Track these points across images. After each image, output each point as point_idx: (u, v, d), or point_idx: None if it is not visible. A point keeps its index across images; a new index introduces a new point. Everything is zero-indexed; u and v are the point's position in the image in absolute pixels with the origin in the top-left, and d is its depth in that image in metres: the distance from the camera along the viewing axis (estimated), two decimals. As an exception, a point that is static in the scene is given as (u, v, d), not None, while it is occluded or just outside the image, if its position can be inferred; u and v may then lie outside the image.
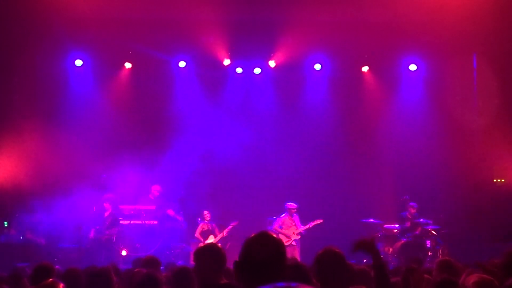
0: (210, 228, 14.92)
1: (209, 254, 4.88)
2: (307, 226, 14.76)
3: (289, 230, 14.74)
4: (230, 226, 14.73)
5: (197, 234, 14.87)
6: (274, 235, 3.18)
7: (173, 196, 15.42)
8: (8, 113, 15.67)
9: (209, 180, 15.92)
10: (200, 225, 15.01)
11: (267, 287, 1.86)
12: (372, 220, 15.03)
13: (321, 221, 14.75)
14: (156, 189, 15.36)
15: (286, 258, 3.09)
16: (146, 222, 15.02)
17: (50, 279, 4.69)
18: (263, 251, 3.03)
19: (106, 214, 14.38)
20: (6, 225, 14.65)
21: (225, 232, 14.74)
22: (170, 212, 15.13)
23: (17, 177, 14.76)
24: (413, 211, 14.73)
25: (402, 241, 14.33)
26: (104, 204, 14.32)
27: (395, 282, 5.58)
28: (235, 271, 3.08)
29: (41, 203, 14.39)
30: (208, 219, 14.94)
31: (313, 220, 14.78)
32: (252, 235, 3.16)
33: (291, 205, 14.78)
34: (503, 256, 5.09)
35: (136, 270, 6.37)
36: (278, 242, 3.11)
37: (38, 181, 14.79)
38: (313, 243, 14.18)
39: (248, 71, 16.95)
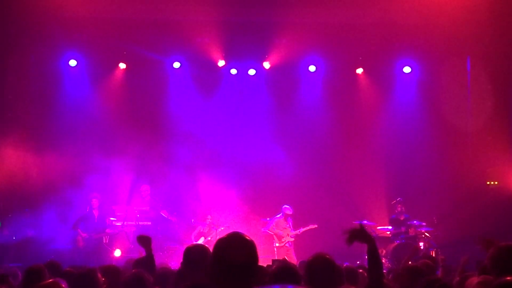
0: (206, 231, 14.95)
1: (196, 254, 4.89)
2: (302, 230, 14.82)
3: (284, 232, 14.79)
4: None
5: (192, 236, 14.91)
6: (247, 237, 3.15)
7: (166, 197, 15.43)
8: (1, 113, 15.64)
9: (203, 181, 15.91)
10: (198, 227, 15.05)
11: None
12: (365, 222, 15.01)
13: (316, 226, 14.83)
14: (145, 189, 15.37)
15: (257, 259, 3.07)
16: (140, 223, 15.03)
17: (51, 279, 4.63)
18: (233, 254, 3.02)
19: (96, 213, 14.41)
20: (-1, 225, 14.66)
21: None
22: (164, 212, 15.11)
23: (11, 178, 14.72)
24: (399, 208, 14.79)
25: (396, 243, 14.36)
26: (92, 203, 14.35)
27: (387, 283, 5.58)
28: (208, 273, 3.06)
29: (34, 203, 14.40)
30: (208, 223, 14.96)
31: (308, 223, 14.86)
32: (224, 236, 3.15)
33: (288, 209, 14.85)
34: (488, 259, 5.04)
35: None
36: (250, 244, 3.09)
37: (31, 181, 14.76)
38: (306, 245, 14.23)
39: (242, 72, 16.95)
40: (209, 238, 14.71)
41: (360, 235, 4.46)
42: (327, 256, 4.63)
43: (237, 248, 3.05)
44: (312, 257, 4.66)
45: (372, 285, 4.39)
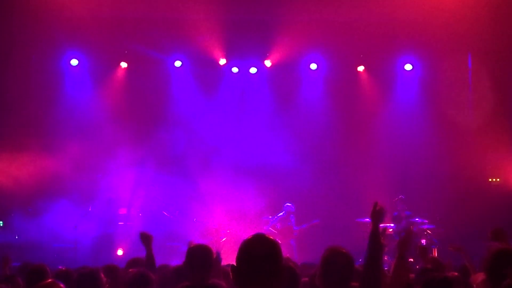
0: (206, 231, 14.96)
1: (199, 254, 4.90)
2: (305, 226, 14.85)
3: (287, 230, 14.80)
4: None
5: (196, 235, 14.91)
6: (270, 237, 3.15)
7: (168, 195, 15.43)
8: (2, 112, 15.66)
9: (204, 179, 15.90)
10: (199, 226, 15.07)
11: None
12: (367, 219, 14.94)
13: (318, 222, 14.86)
14: (148, 188, 15.40)
15: (282, 259, 3.06)
16: (142, 222, 15.04)
17: (49, 280, 4.63)
18: (259, 253, 3.02)
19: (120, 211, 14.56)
20: (1, 225, 14.67)
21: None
22: (166, 211, 15.12)
23: (12, 177, 14.73)
24: (401, 205, 14.78)
25: (397, 240, 14.36)
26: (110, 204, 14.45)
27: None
28: (232, 273, 3.06)
29: (36, 203, 14.41)
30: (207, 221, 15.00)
31: (310, 220, 14.89)
32: (249, 237, 3.14)
33: (290, 207, 14.88)
34: (486, 262, 4.94)
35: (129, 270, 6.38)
36: (274, 243, 3.08)
37: (33, 181, 14.77)
38: (309, 243, 14.26)
39: (244, 70, 16.95)
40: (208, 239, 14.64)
41: (375, 211, 4.58)
42: (344, 250, 4.46)
43: (260, 248, 3.04)
44: (329, 251, 4.45)
45: (367, 268, 4.39)
